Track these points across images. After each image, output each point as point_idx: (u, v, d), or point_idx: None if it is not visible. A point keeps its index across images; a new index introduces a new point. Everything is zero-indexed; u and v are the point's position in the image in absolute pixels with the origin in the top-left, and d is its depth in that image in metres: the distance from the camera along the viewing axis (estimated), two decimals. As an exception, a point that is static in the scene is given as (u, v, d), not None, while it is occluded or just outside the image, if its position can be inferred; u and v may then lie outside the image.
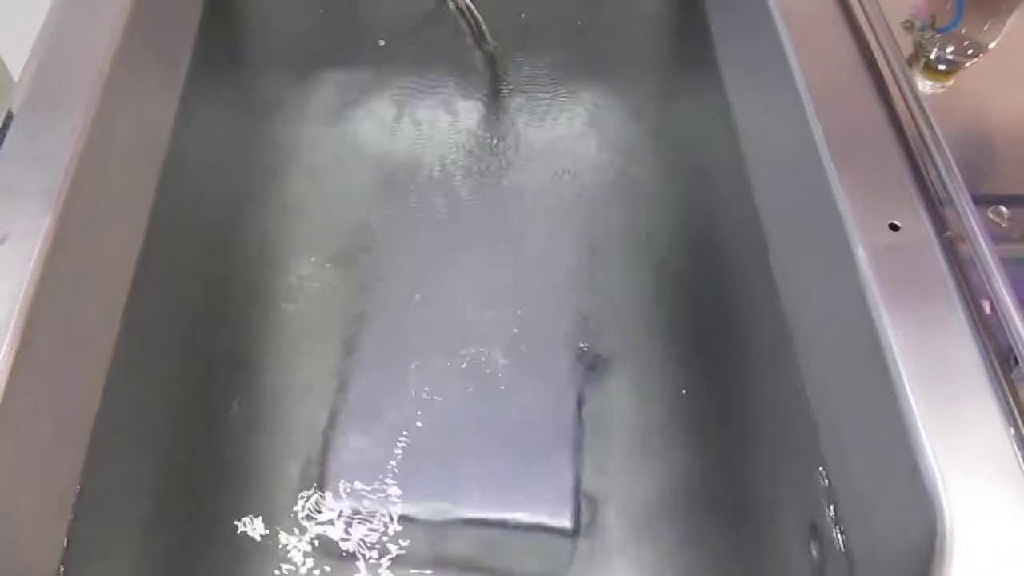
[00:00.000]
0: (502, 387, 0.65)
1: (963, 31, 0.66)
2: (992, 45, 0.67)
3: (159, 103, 0.67)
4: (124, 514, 0.55)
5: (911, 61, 0.64)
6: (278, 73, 0.82)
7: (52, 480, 0.49)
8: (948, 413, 0.42)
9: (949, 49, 0.65)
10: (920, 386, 0.43)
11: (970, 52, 0.66)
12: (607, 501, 0.60)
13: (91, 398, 0.53)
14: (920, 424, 0.42)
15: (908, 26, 0.66)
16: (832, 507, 0.50)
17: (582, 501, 0.60)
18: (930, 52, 0.65)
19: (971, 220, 0.47)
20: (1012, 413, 0.42)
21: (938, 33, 0.65)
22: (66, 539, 0.50)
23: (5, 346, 0.45)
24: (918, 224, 0.49)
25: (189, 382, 0.63)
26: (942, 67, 0.65)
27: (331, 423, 0.63)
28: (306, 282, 0.70)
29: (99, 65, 0.57)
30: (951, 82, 0.65)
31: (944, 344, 0.44)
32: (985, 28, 0.68)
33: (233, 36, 0.84)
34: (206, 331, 0.66)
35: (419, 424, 0.63)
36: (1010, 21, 0.68)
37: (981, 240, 0.46)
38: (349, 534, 0.59)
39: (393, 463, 0.61)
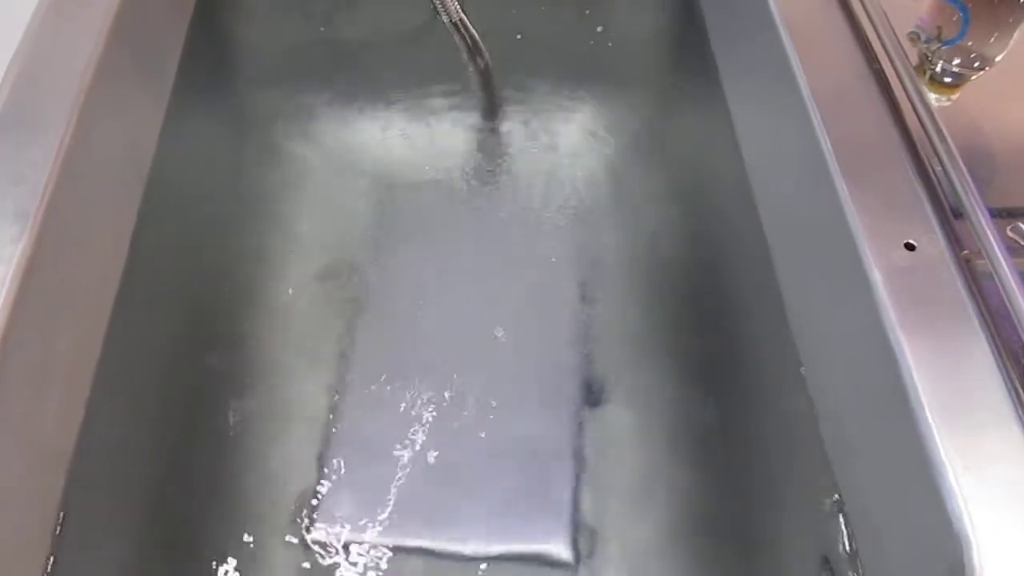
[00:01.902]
0: (499, 414, 0.63)
1: (969, 44, 0.65)
2: (998, 58, 0.65)
3: (143, 118, 0.64)
4: (106, 549, 0.52)
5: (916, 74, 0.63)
6: (267, 87, 0.81)
7: (29, 514, 0.47)
8: (971, 442, 0.40)
9: (955, 62, 0.64)
10: (941, 414, 0.41)
11: (976, 65, 0.64)
12: (608, 531, 0.58)
13: (70, 428, 0.50)
14: (943, 453, 0.40)
15: (913, 38, 0.64)
16: (847, 540, 0.48)
17: (582, 531, 0.58)
18: (936, 65, 0.63)
19: (991, 240, 0.45)
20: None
21: (944, 45, 0.64)
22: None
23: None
24: (934, 243, 0.47)
25: (174, 410, 0.61)
26: (948, 80, 0.64)
27: (324, 452, 0.61)
28: (297, 305, 0.68)
29: (80, 78, 0.55)
30: (956, 95, 0.63)
31: (965, 370, 0.42)
32: (991, 41, 0.66)
33: (221, 49, 0.82)
34: (192, 356, 0.64)
35: (414, 454, 0.61)
36: (1016, 35, 0.67)
37: (1002, 260, 0.44)
38: (343, 567, 0.56)
39: (388, 494, 0.59)
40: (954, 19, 0.66)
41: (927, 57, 0.64)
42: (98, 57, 0.57)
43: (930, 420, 0.41)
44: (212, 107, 0.78)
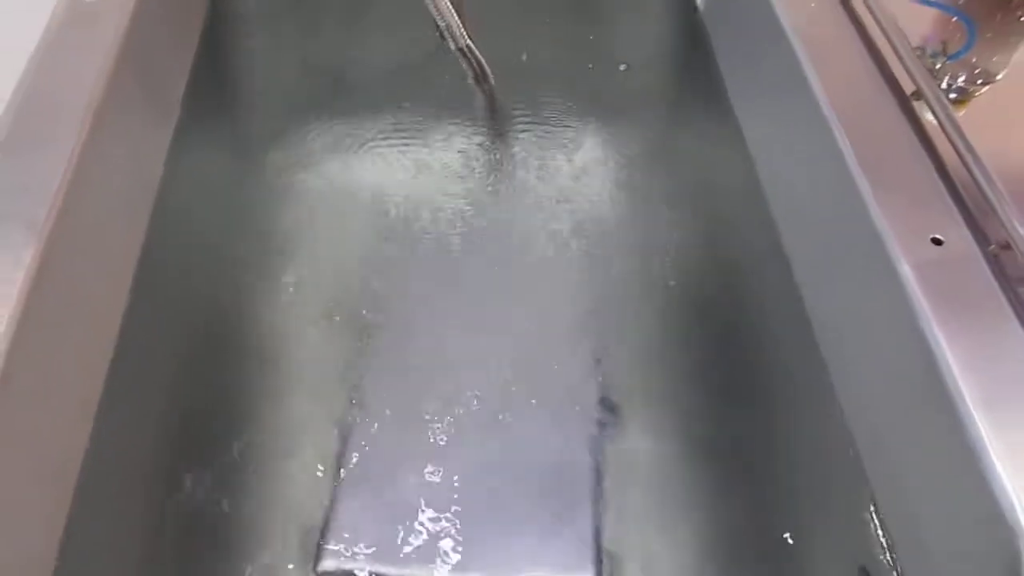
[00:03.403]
0: (514, 440, 0.62)
1: (974, 59, 0.65)
2: (1001, 75, 0.66)
3: (150, 142, 0.64)
4: (110, 568, 0.50)
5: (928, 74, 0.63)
6: (273, 115, 0.81)
7: (35, 528, 0.45)
8: (1018, 433, 0.39)
9: (961, 77, 0.64)
10: (985, 407, 0.40)
11: (980, 81, 0.64)
12: (631, 556, 0.56)
13: (76, 447, 0.48)
14: (989, 447, 0.39)
15: (919, 53, 0.65)
16: (886, 548, 0.47)
17: (604, 556, 0.56)
18: (941, 80, 0.64)
19: (1018, 229, 0.44)
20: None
21: (949, 60, 0.64)
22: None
23: (-17, 386, 0.41)
24: (961, 237, 0.46)
25: (181, 430, 0.59)
26: (953, 96, 0.64)
27: (334, 481, 0.59)
28: (303, 331, 0.67)
29: (89, 99, 0.55)
30: (963, 112, 0.63)
31: (1005, 361, 0.41)
32: (995, 57, 0.67)
33: (225, 76, 0.82)
34: (200, 381, 0.62)
35: (427, 482, 0.59)
36: (1020, 50, 0.67)
37: (1032, 250, 0.43)
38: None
39: (402, 523, 0.57)
40: (958, 36, 0.66)
41: (932, 73, 0.64)
42: (107, 76, 0.56)
43: (974, 413, 0.40)
44: (218, 133, 0.77)
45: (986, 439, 0.39)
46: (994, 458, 0.38)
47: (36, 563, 0.44)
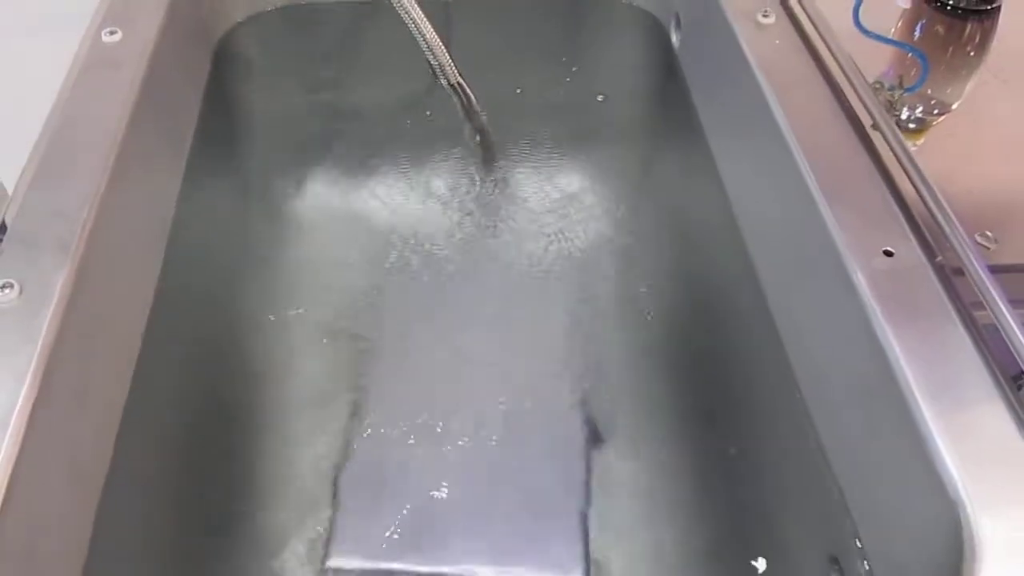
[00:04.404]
0: (505, 460, 0.65)
1: (928, 91, 0.70)
2: (955, 105, 0.70)
3: (165, 174, 0.69)
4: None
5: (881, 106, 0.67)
6: (276, 149, 0.85)
7: (64, 535, 0.48)
8: (958, 417, 0.43)
9: (918, 108, 0.69)
10: (930, 395, 0.44)
11: (936, 111, 0.69)
12: (616, 563, 0.59)
13: (103, 454, 0.52)
14: (934, 431, 0.43)
15: (877, 87, 0.70)
16: (854, 535, 0.51)
17: (591, 564, 0.59)
18: (900, 111, 0.69)
19: (963, 243, 0.49)
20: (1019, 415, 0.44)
21: (906, 92, 0.69)
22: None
23: (24, 392, 0.44)
24: (910, 249, 0.51)
25: (196, 442, 0.63)
26: (912, 126, 0.68)
27: (335, 494, 0.62)
28: (306, 352, 0.70)
29: (112, 135, 0.59)
30: (921, 140, 0.68)
31: (950, 356, 0.46)
32: (948, 90, 0.72)
33: (232, 115, 0.86)
34: (213, 390, 0.66)
35: (426, 489, 0.63)
36: (972, 82, 0.72)
37: (975, 261, 0.48)
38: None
39: (398, 537, 0.61)
40: (914, 68, 0.72)
41: (892, 104, 0.69)
42: (128, 114, 0.61)
43: (920, 401, 0.44)
44: (225, 166, 0.82)
45: (931, 425, 0.43)
46: (937, 440, 0.43)
47: (71, 555, 0.48)
